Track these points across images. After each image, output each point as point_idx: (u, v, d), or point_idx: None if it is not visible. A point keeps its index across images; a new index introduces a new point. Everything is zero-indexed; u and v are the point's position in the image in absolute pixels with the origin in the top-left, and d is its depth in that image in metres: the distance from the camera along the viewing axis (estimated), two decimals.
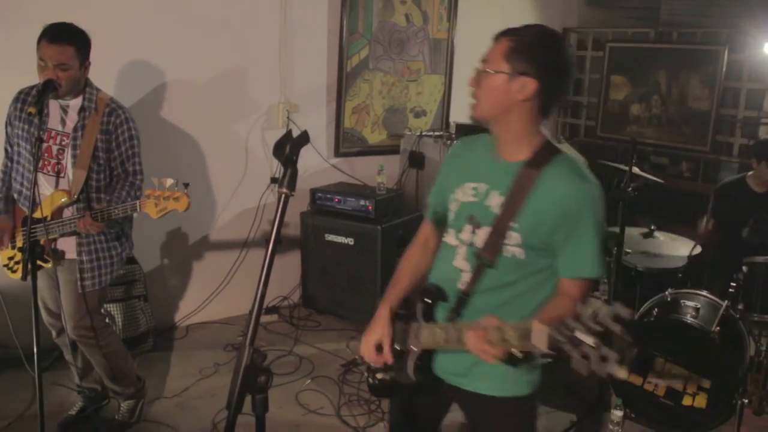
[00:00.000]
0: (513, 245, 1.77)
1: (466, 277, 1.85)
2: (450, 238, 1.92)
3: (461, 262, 1.86)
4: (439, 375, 1.96)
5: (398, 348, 1.93)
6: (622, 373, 1.35)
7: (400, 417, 2.20)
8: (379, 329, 1.95)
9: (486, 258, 1.80)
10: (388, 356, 1.93)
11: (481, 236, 1.82)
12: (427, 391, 2.00)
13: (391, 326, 1.95)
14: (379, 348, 1.94)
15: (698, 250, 4.02)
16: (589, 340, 1.32)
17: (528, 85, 1.72)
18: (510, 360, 1.63)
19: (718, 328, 3.33)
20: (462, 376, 1.92)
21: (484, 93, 1.79)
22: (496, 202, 1.80)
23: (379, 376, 1.98)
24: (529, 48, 1.72)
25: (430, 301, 1.90)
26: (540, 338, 1.42)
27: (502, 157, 1.84)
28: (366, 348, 1.96)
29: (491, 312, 1.70)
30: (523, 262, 1.78)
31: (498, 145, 1.85)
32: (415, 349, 1.90)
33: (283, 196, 1.45)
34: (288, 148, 1.44)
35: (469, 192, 1.87)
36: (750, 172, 4.12)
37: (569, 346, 1.35)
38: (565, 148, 5.71)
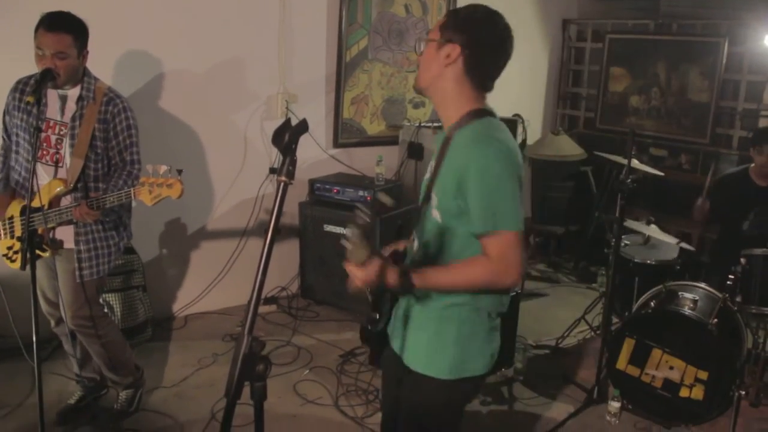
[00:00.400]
0: (434, 208, 1.89)
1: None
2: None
3: None
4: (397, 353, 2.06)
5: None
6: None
7: (387, 404, 2.26)
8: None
9: (419, 220, 1.97)
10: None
11: None
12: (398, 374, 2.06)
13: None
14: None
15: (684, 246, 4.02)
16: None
17: (453, 51, 1.84)
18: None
19: (715, 320, 3.34)
20: (400, 349, 2.03)
21: (421, 62, 1.93)
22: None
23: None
24: (460, 20, 1.87)
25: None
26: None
27: (444, 129, 1.96)
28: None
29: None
30: (442, 226, 1.87)
31: (441, 119, 1.98)
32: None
33: (282, 184, 1.45)
34: (287, 137, 1.44)
35: (428, 169, 2.00)
36: (752, 165, 4.10)
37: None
38: (563, 139, 5.72)
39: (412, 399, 2.00)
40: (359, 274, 1.80)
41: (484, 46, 1.86)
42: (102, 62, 3.30)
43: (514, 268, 1.77)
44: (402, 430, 2.08)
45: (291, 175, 1.46)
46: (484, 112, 1.89)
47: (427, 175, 1.98)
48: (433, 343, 1.92)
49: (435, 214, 1.88)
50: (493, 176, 1.75)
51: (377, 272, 1.79)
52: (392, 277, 1.81)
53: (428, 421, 1.99)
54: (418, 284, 1.82)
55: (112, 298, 3.94)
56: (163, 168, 2.64)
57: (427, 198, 1.92)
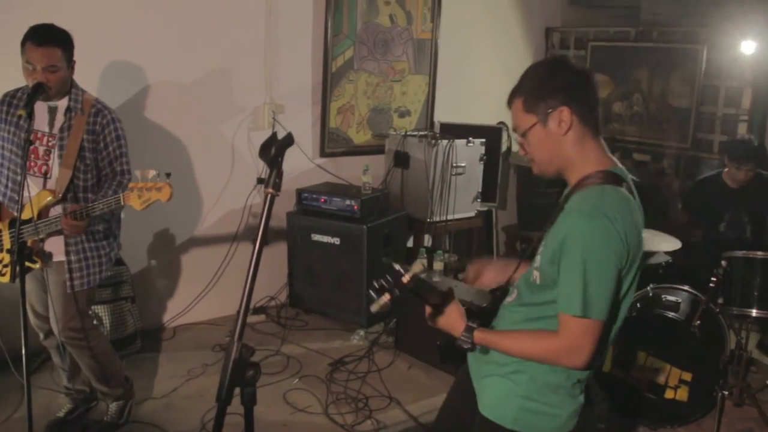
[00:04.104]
0: (535, 268, 1.81)
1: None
2: None
3: None
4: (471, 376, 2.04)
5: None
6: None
7: (440, 421, 2.27)
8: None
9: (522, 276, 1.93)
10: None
11: None
12: (467, 393, 2.04)
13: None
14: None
15: (677, 245, 4.07)
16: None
17: (563, 115, 1.74)
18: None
19: (698, 322, 3.40)
20: (477, 381, 1.99)
21: (535, 151, 1.81)
22: None
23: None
24: (535, 87, 1.77)
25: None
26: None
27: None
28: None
29: (513, 325, 1.87)
30: (536, 287, 1.80)
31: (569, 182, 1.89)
32: None
33: (269, 195, 1.49)
34: (273, 150, 1.48)
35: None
36: (725, 169, 4.19)
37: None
38: None
39: None
40: (428, 311, 1.86)
41: (580, 89, 1.77)
42: (88, 74, 3.31)
43: (582, 356, 1.68)
44: None
45: (278, 186, 1.50)
46: (609, 177, 1.74)
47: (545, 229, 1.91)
48: (502, 390, 1.86)
49: (535, 275, 1.80)
50: (588, 257, 1.63)
51: (446, 317, 1.84)
52: (456, 326, 1.82)
53: None
54: (477, 341, 1.81)
55: (101, 310, 3.94)
56: (152, 173, 2.65)
57: (534, 254, 1.86)
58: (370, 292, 1.81)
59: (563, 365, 1.73)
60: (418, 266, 1.79)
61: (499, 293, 2.03)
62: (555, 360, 1.72)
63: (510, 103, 1.84)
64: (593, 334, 1.66)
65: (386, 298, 1.80)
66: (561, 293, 1.68)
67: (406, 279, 1.78)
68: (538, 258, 1.80)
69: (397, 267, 1.78)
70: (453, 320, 1.84)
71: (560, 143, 1.76)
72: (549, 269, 1.73)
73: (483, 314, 1.97)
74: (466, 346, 1.81)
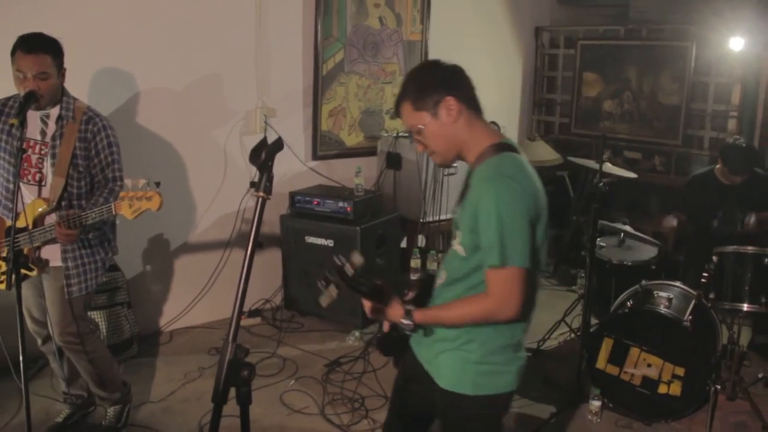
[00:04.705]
0: (457, 243, 1.96)
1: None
2: None
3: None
4: (420, 362, 2.12)
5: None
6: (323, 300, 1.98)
7: (395, 412, 2.37)
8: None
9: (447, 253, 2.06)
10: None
11: None
12: (416, 379, 2.14)
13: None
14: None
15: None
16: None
17: (449, 104, 1.91)
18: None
19: (690, 317, 3.44)
20: (429, 363, 2.08)
21: (433, 144, 1.98)
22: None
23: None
24: (418, 88, 1.94)
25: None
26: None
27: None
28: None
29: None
30: (465, 259, 1.93)
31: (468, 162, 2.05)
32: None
33: (260, 199, 1.52)
34: (263, 154, 1.51)
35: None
36: (717, 165, 4.23)
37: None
38: (539, 145, 5.82)
39: (447, 414, 2.08)
40: (366, 304, 2.00)
41: (457, 79, 1.95)
42: (79, 81, 3.32)
43: (513, 304, 1.83)
44: None
45: (269, 190, 1.53)
46: (502, 147, 1.93)
47: (456, 209, 2.06)
48: (457, 361, 1.97)
49: (459, 249, 1.94)
50: (500, 212, 1.78)
51: (383, 307, 1.96)
52: (396, 313, 1.95)
53: None
54: (419, 320, 1.95)
55: (97, 316, 3.95)
56: (142, 181, 2.67)
57: (454, 232, 2.00)
58: (319, 287, 1.98)
59: (500, 320, 1.88)
60: (357, 257, 1.93)
61: (427, 278, 2.18)
62: (492, 316, 1.87)
63: (398, 109, 2.00)
64: (518, 282, 1.81)
65: (333, 290, 1.96)
66: (483, 252, 1.84)
67: (348, 269, 1.92)
68: (457, 234, 1.95)
69: (336, 259, 1.94)
70: (391, 308, 1.97)
71: (454, 130, 1.93)
72: (470, 238, 1.88)
73: (417, 300, 2.09)
74: (409, 330, 1.96)
